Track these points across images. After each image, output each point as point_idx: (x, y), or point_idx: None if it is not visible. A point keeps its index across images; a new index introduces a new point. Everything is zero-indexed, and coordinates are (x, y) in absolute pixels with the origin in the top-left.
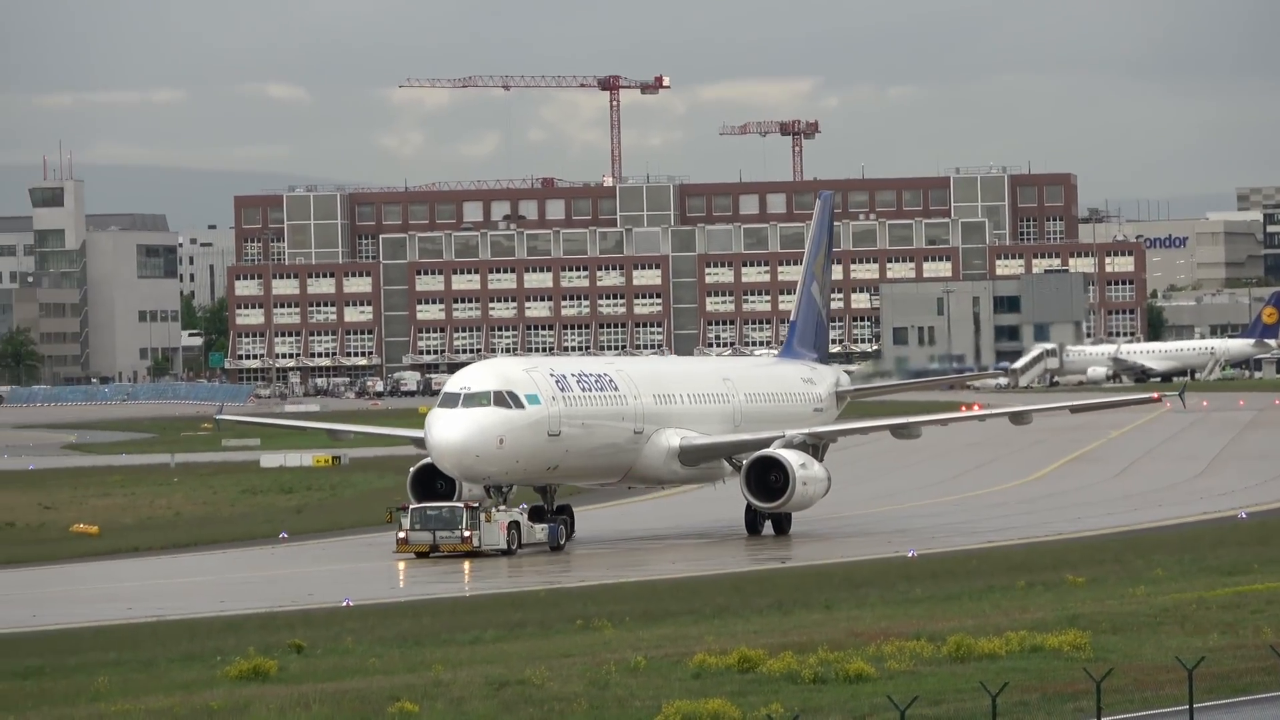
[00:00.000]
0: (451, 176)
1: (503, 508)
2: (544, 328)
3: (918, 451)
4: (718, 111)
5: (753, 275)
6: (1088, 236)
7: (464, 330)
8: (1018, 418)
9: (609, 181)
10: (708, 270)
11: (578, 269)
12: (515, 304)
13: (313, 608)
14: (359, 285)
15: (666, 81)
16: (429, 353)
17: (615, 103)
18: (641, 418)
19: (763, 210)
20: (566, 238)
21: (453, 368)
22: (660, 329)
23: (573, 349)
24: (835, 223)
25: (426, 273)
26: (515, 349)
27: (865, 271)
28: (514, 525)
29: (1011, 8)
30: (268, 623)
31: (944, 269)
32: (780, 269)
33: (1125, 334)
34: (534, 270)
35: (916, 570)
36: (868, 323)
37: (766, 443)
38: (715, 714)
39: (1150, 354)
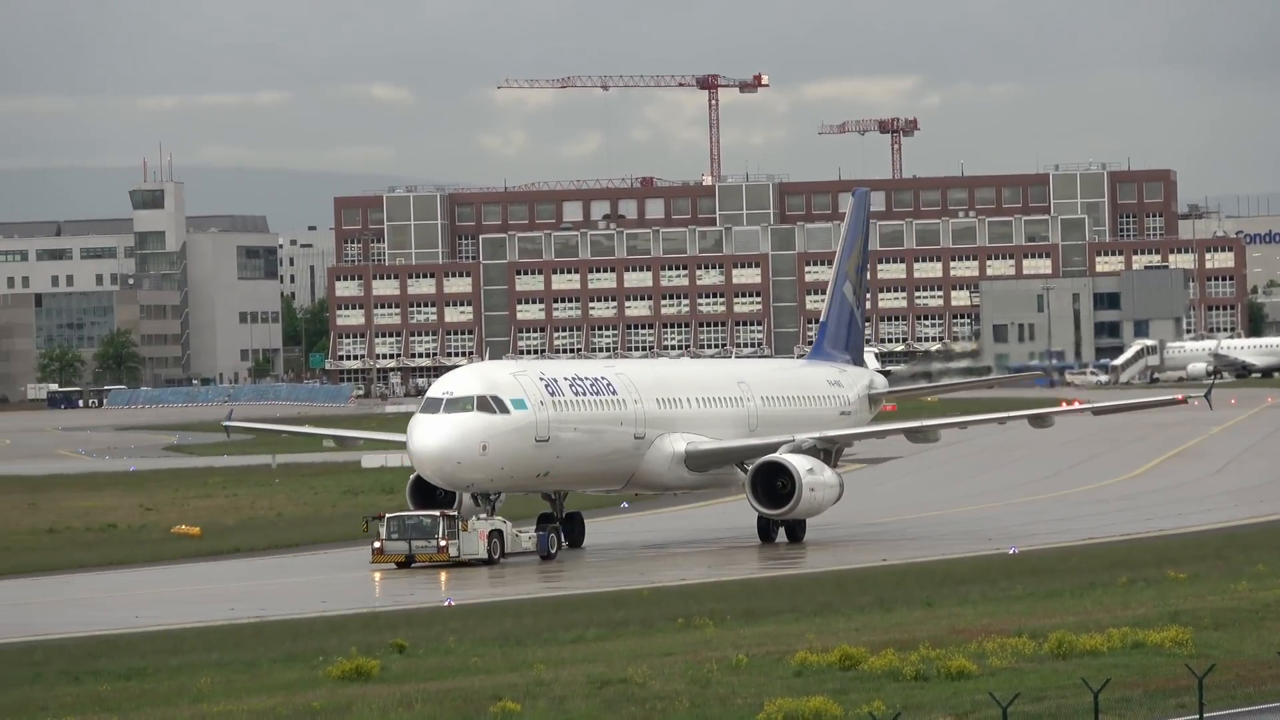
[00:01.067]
0: (552, 176)
1: (484, 516)
2: (644, 327)
3: (1017, 449)
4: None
5: None
6: (1187, 233)
7: (564, 330)
8: (1039, 420)
9: (708, 180)
10: (807, 268)
11: (677, 268)
12: (615, 303)
13: (415, 607)
14: (459, 285)
15: (765, 80)
16: (529, 353)
17: (714, 102)
18: (643, 422)
19: None
20: (666, 237)
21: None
22: (760, 327)
23: (672, 348)
24: (935, 220)
25: (526, 272)
26: (615, 348)
27: (965, 269)
28: (496, 534)
29: (1112, 5)
30: (370, 623)
31: (1044, 266)
32: (880, 267)
33: (1225, 330)
34: (634, 269)
35: (1018, 567)
36: (967, 320)
37: (775, 447)
38: (817, 712)
39: (1250, 350)
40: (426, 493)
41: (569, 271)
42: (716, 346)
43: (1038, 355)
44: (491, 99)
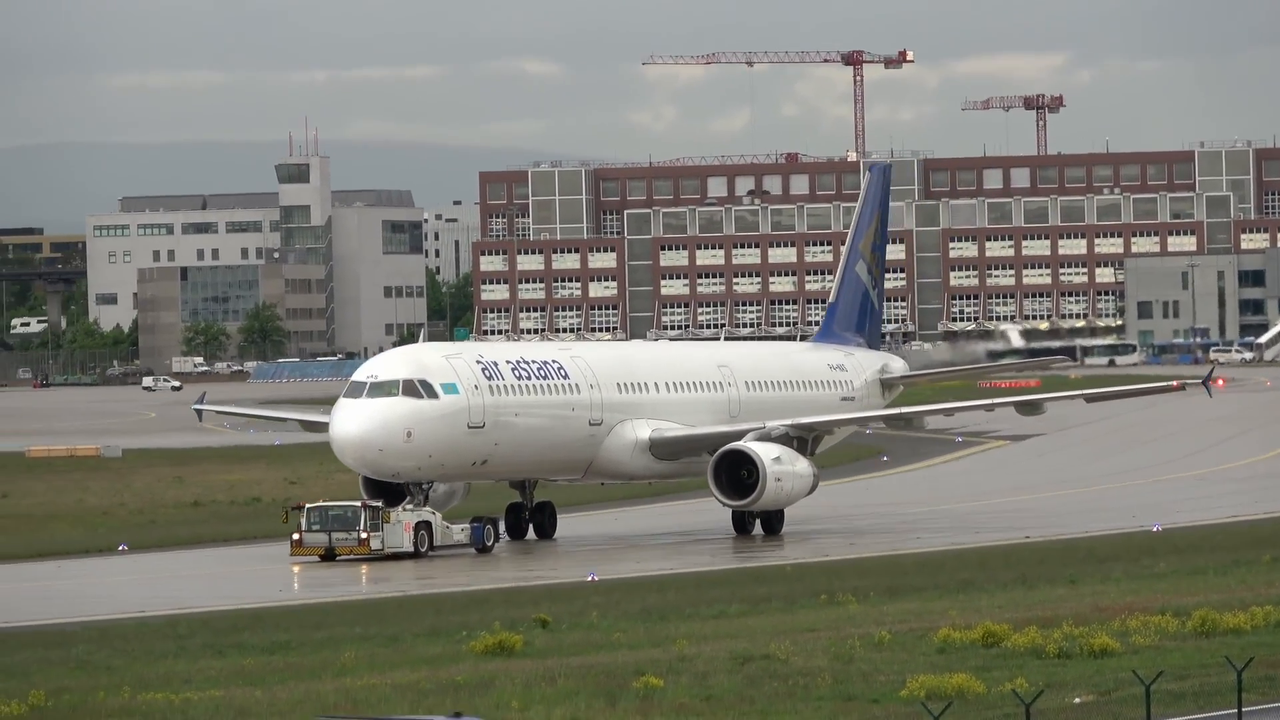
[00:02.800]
0: (700, 152)
1: (409, 507)
2: (788, 302)
3: (1162, 425)
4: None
5: (996, 250)
6: None
7: (708, 305)
8: (1028, 408)
9: (853, 156)
10: (951, 245)
11: (821, 243)
12: (759, 279)
13: (557, 583)
14: (604, 261)
15: (910, 56)
16: (673, 328)
17: (859, 78)
18: (599, 407)
19: (1006, 185)
20: (810, 212)
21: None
22: (904, 304)
23: (814, 323)
24: (1080, 197)
25: (671, 248)
26: (759, 323)
27: (1109, 246)
28: (423, 526)
29: None
30: (512, 597)
31: (1188, 243)
32: (1025, 243)
33: None
34: (778, 245)
35: (1161, 544)
36: (1112, 297)
37: (744, 434)
38: (959, 689)
39: None
40: (380, 481)
41: (713, 247)
42: None
43: (1182, 332)
44: (644, 75)
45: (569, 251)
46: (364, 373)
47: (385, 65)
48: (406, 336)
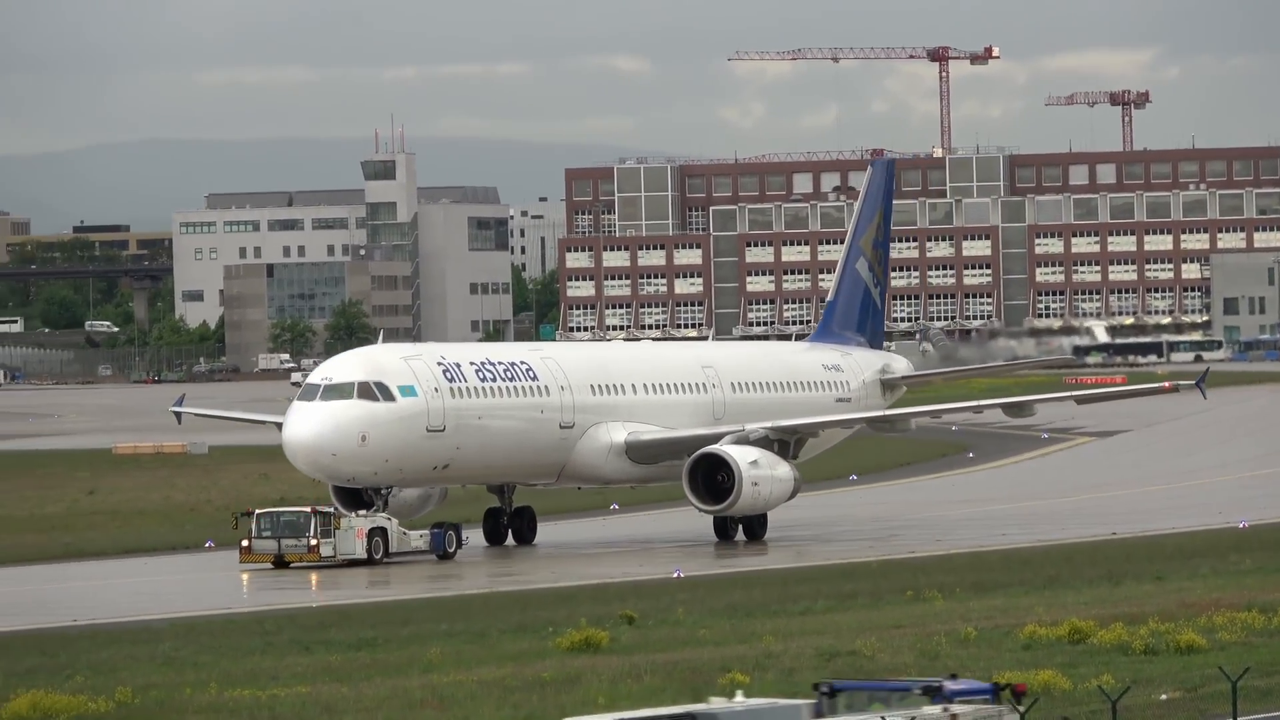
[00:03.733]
0: (787, 148)
1: (363, 513)
2: None
3: (1251, 420)
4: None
5: (1082, 246)
6: None
7: (793, 302)
8: (1016, 409)
9: (938, 153)
10: (1037, 241)
11: (907, 240)
12: None
13: (644, 579)
14: (689, 257)
15: (996, 52)
16: (759, 324)
17: (945, 74)
18: (571, 410)
19: (1092, 181)
20: (896, 209)
21: (781, 338)
22: (989, 300)
23: (901, 320)
24: (1166, 193)
25: (756, 244)
26: None
27: (1196, 241)
28: (378, 532)
29: None
30: (599, 594)
31: (1275, 239)
32: (1110, 239)
33: None
34: None
35: (1248, 541)
36: (1198, 293)
37: (720, 437)
38: (1046, 685)
39: None
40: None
41: (799, 243)
42: (947, 319)
43: (1268, 328)
44: (733, 70)
45: (654, 248)
46: (319, 375)
47: (475, 61)
48: (493, 333)
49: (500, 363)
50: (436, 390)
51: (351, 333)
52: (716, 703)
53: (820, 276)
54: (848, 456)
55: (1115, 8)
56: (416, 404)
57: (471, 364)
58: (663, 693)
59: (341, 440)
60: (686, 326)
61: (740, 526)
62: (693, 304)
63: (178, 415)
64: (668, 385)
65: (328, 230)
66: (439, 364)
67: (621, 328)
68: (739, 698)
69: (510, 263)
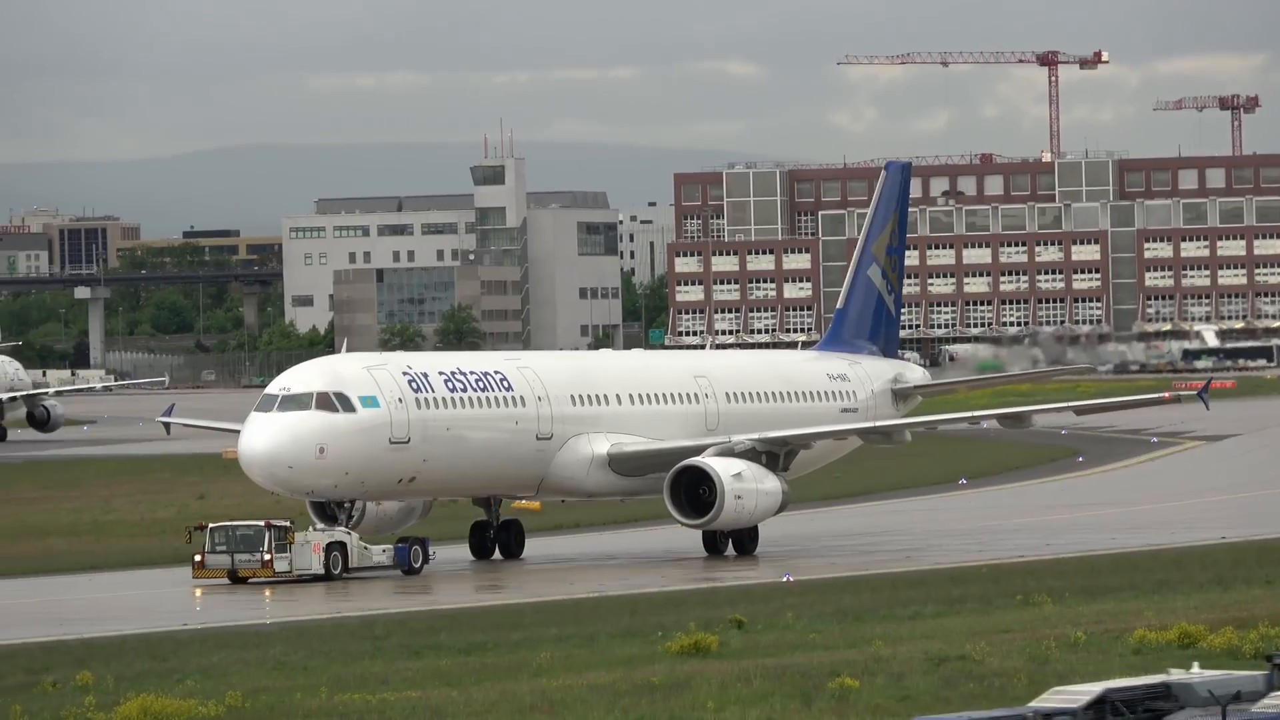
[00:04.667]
0: (898, 152)
1: (320, 527)
2: (983, 303)
3: None
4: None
5: (1191, 250)
6: None
7: (904, 306)
8: (1013, 420)
9: (1047, 157)
10: (1146, 245)
11: (1016, 244)
12: (953, 279)
13: (753, 583)
14: (798, 261)
15: (1105, 57)
16: None
17: (1054, 78)
18: (549, 420)
19: (1201, 185)
20: (1005, 213)
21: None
22: (1099, 304)
23: (1010, 324)
24: (1276, 197)
25: None
26: (954, 324)
27: None
28: (336, 547)
29: None
30: (708, 598)
31: None
32: (1220, 244)
33: None
34: (972, 245)
35: None
36: None
37: (704, 449)
38: None
39: None
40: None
41: (907, 247)
42: (1055, 322)
43: None
44: (842, 75)
45: (764, 253)
46: (277, 385)
47: (587, 66)
48: (602, 338)
49: (472, 373)
50: (401, 401)
51: (461, 337)
52: (1176, 674)
53: (929, 281)
54: (957, 460)
55: (1225, 12)
56: (379, 415)
57: (440, 374)
58: (772, 696)
59: (298, 452)
60: (796, 331)
61: (730, 541)
62: (802, 308)
63: (166, 426)
64: (656, 395)
65: (437, 235)
66: (404, 374)
67: (731, 332)
68: (1195, 668)
69: (619, 267)
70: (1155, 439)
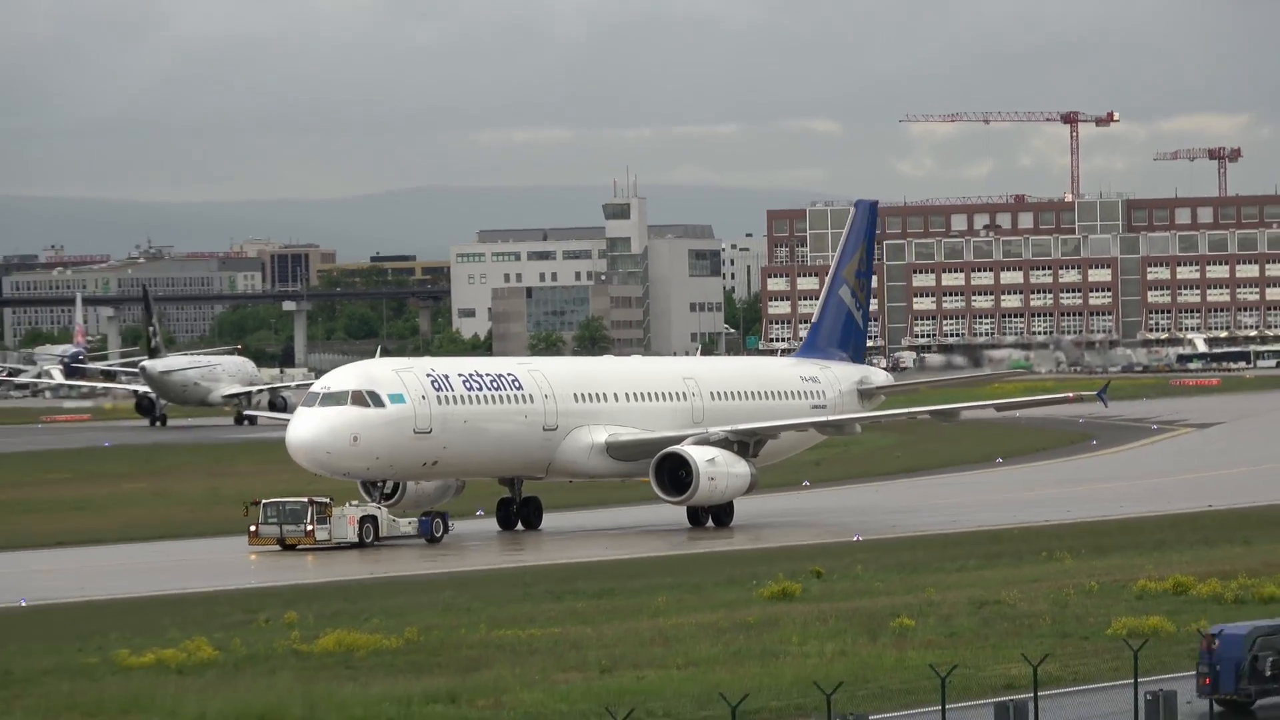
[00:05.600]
0: (947, 194)
1: (355, 503)
2: (1016, 315)
3: None
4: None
5: (1185, 274)
6: None
7: (951, 318)
8: (943, 416)
9: (1069, 197)
10: (1149, 269)
11: (1043, 268)
12: (992, 297)
13: (829, 541)
14: None
15: (1117, 116)
16: (923, 336)
17: (1075, 134)
18: (554, 415)
19: (1194, 221)
20: (1034, 243)
21: (942, 348)
22: (1110, 317)
23: (1039, 333)
24: (1254, 230)
25: (921, 272)
26: (992, 332)
27: (1278, 269)
28: (369, 520)
29: None
30: (793, 553)
31: None
32: (1209, 268)
33: None
34: (1008, 270)
35: None
36: None
37: (684, 439)
38: (1154, 628)
39: None
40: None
41: (955, 271)
42: (1076, 331)
43: None
44: (908, 130)
45: None
46: (320, 384)
47: (700, 124)
48: (708, 343)
49: (488, 374)
50: (424, 398)
51: (594, 343)
52: None
53: (973, 298)
54: (995, 443)
55: (1215, 81)
56: (404, 410)
57: (460, 375)
58: (845, 633)
59: (335, 440)
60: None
61: (710, 516)
62: (869, 319)
63: (251, 419)
64: (649, 394)
65: (575, 260)
66: (428, 375)
67: None
68: None
69: (722, 286)
70: (1155, 426)
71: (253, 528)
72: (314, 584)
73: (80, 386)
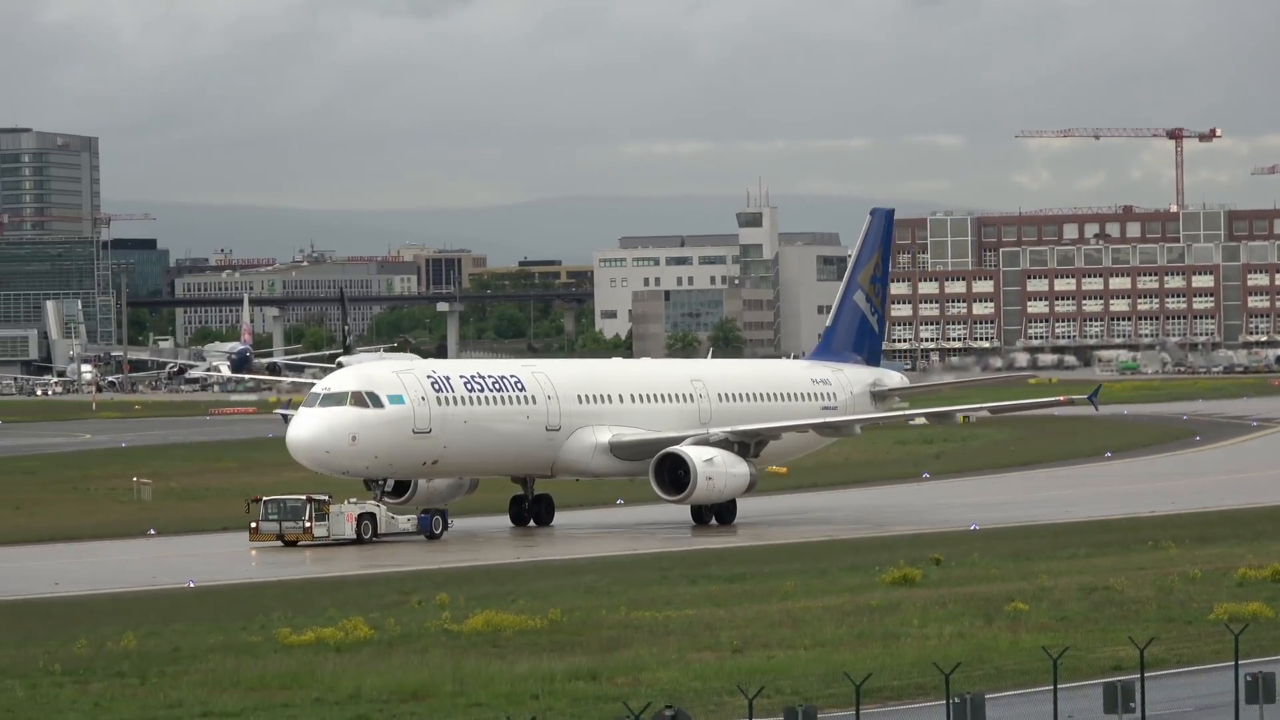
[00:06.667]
0: (1060, 204)
1: (353, 500)
2: (1124, 319)
3: None
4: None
5: None
6: None
7: (1064, 321)
8: (939, 419)
9: (1174, 208)
10: (1249, 276)
11: (1149, 275)
12: (1102, 301)
13: (948, 530)
14: (983, 286)
15: (1219, 133)
16: (1037, 338)
17: (1180, 149)
18: (557, 415)
19: None
20: (1141, 251)
21: (1055, 349)
22: (1213, 320)
23: (1146, 335)
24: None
25: (1035, 277)
26: (1102, 335)
27: None
28: (367, 517)
29: None
30: (914, 541)
31: None
32: None
33: None
34: (1116, 276)
35: None
36: None
37: (684, 439)
38: (1254, 614)
39: None
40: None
41: (1067, 277)
42: (1180, 334)
43: None
44: (1023, 145)
45: (957, 280)
46: (321, 385)
47: (830, 138)
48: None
49: (489, 376)
50: (423, 399)
51: (728, 343)
52: None
53: (1084, 302)
54: (1105, 439)
55: None
56: (403, 410)
57: (461, 377)
58: (962, 616)
59: (334, 440)
60: (981, 340)
61: (714, 514)
62: (986, 322)
63: (285, 418)
64: (656, 395)
65: (710, 265)
66: (429, 377)
67: (931, 340)
68: None
69: None
70: (1255, 423)
71: (253, 524)
72: (464, 567)
73: (246, 380)
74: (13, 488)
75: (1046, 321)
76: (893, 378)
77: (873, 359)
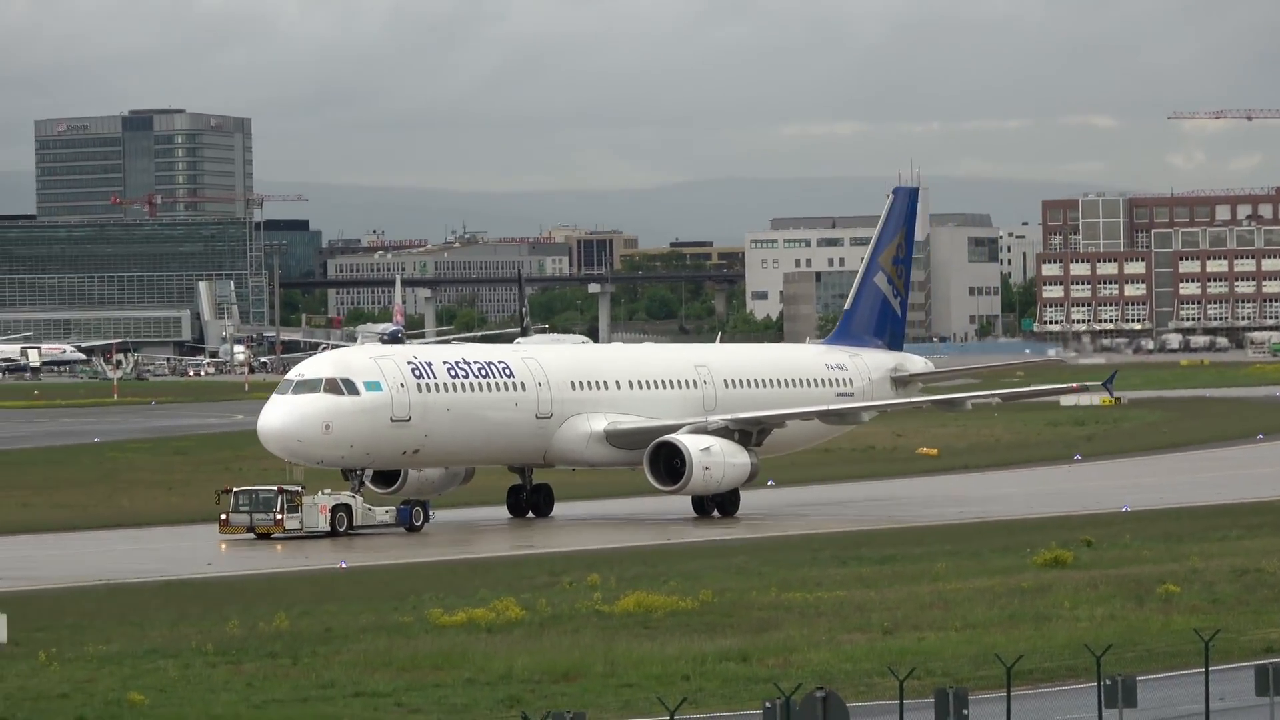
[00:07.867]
0: (1212, 186)
1: (327, 491)
2: (1276, 300)
3: None
4: None
5: None
6: None
7: (1215, 303)
8: (948, 405)
9: None
10: None
11: None
12: (1254, 282)
13: (1099, 511)
14: (1135, 268)
15: None
16: (1189, 319)
17: None
18: (548, 403)
19: None
20: None
21: (1206, 331)
22: None
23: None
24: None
25: (1186, 259)
26: (1253, 317)
27: None
28: (342, 509)
29: None
30: (1064, 523)
31: None
32: None
33: None
34: (1269, 257)
35: None
36: None
37: (681, 427)
38: None
39: None
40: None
41: (1219, 258)
42: None
43: None
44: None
45: (1109, 261)
46: (294, 372)
47: (987, 118)
48: (985, 326)
49: (474, 362)
50: (403, 386)
51: None
52: None
53: (1236, 283)
54: (1259, 419)
55: None
56: (380, 398)
57: (444, 363)
58: (1113, 599)
59: (306, 428)
60: (1133, 321)
61: (716, 507)
62: (1138, 304)
63: None
64: (655, 382)
65: (861, 246)
66: (409, 363)
67: (1083, 321)
68: None
69: (999, 272)
70: None
71: (223, 516)
72: (614, 549)
73: None
74: (165, 469)
75: (1198, 303)
76: (915, 363)
77: (895, 343)
